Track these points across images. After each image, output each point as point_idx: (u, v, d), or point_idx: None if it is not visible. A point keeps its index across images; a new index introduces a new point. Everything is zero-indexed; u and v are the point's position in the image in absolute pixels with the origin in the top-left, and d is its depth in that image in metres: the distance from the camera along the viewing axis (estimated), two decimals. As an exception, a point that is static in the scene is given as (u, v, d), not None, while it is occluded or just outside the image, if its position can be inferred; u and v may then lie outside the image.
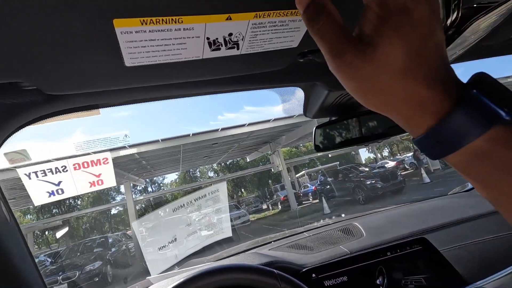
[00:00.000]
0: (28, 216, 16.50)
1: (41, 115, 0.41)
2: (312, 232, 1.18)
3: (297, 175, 20.51)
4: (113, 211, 20.35)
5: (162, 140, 8.03)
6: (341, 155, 19.38)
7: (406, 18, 0.23)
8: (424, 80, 0.24)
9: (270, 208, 15.46)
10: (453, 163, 0.25)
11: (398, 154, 24.19)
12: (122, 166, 8.99)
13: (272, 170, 13.70)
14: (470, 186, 1.34)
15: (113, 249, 8.49)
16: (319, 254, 0.89)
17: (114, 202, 19.38)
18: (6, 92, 0.35)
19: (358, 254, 0.81)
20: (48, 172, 1.79)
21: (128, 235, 10.65)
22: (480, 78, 0.24)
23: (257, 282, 0.57)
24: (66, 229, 13.56)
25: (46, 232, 18.02)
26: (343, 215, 1.53)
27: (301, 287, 0.57)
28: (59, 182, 1.85)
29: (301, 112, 0.80)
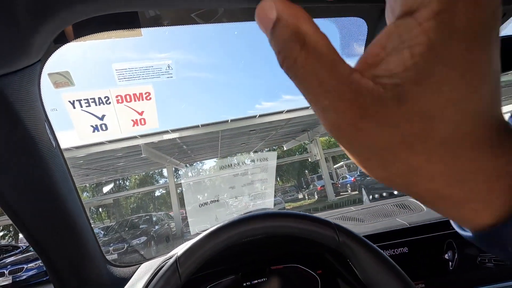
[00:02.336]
0: (85, 193, 18.36)
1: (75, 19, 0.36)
2: (360, 207, 1.08)
3: (335, 166, 19.88)
4: (157, 193, 21.82)
5: (202, 125, 8.28)
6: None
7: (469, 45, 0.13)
8: (482, 144, 0.14)
9: (306, 197, 15.29)
10: None
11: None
12: (165, 150, 9.49)
13: (309, 160, 13.46)
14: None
15: (156, 227, 9.10)
16: (372, 225, 0.80)
17: (158, 184, 20.70)
18: None
19: (421, 225, 0.71)
20: (92, 102, 1.74)
21: (170, 215, 11.31)
22: None
23: (313, 233, 0.49)
24: (111, 185, 14.84)
25: (100, 209, 19.98)
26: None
27: (361, 239, 0.50)
28: (103, 116, 1.81)
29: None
